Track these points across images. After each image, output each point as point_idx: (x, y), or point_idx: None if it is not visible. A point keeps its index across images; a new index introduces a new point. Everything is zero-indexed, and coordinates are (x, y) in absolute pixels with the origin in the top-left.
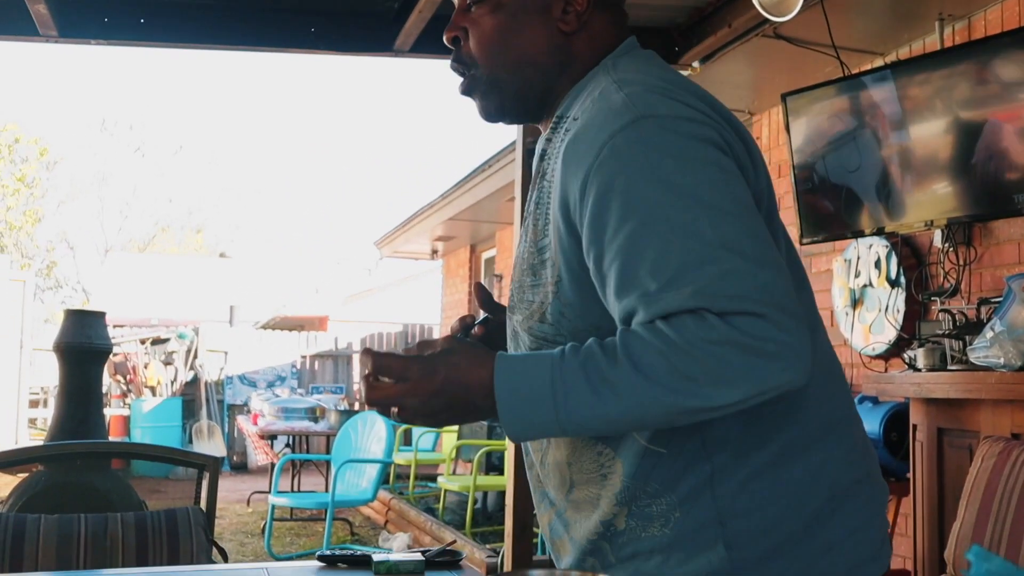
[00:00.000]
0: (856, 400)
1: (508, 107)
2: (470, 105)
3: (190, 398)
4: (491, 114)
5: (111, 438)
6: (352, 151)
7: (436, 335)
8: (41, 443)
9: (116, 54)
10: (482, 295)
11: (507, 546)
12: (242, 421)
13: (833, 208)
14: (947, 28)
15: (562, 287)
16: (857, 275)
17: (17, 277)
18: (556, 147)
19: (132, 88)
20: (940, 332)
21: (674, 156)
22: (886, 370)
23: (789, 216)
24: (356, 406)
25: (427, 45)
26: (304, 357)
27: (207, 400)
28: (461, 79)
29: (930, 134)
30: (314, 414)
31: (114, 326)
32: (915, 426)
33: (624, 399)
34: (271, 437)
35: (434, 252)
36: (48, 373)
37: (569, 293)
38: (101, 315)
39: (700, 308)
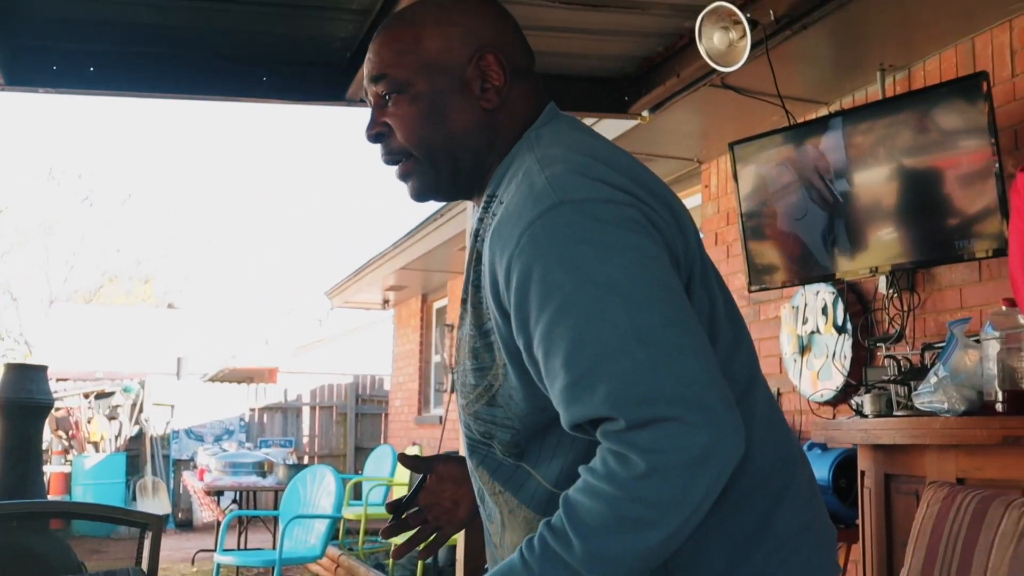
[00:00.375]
0: (805, 447)
1: (441, 187)
2: None
3: (135, 453)
4: (422, 195)
5: (51, 496)
6: (303, 200)
7: (387, 386)
8: None
9: (65, 102)
10: (408, 464)
11: None
12: (188, 477)
13: (780, 255)
14: (888, 78)
15: (508, 370)
16: (805, 322)
17: None
18: (487, 229)
19: (81, 136)
20: (886, 378)
21: (591, 243)
22: (834, 416)
23: (737, 263)
24: (306, 459)
25: None
26: (253, 410)
27: (152, 455)
28: (396, 165)
29: (874, 181)
30: (262, 468)
31: (57, 379)
32: (863, 472)
33: (604, 570)
34: (218, 493)
35: (385, 302)
36: None
37: (513, 377)
38: (43, 369)
39: (614, 418)
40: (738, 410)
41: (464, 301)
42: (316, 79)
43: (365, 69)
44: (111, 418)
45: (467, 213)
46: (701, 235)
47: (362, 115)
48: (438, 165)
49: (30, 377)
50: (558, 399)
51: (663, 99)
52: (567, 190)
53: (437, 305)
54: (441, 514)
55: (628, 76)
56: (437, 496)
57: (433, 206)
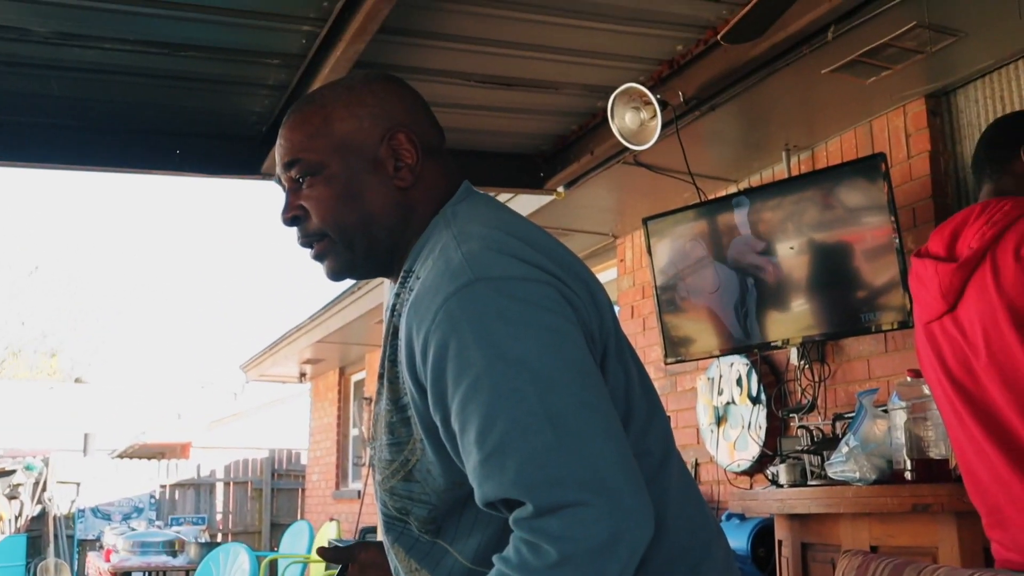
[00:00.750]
0: (723, 517)
1: (358, 265)
2: None
3: (36, 534)
4: (339, 274)
5: None
6: (219, 272)
7: (304, 461)
8: None
9: None
10: (328, 556)
11: None
12: (93, 558)
13: (695, 328)
14: (793, 157)
15: (424, 445)
16: (720, 392)
17: None
18: (403, 304)
19: None
20: (799, 448)
21: (506, 321)
22: (751, 486)
23: (653, 336)
24: (219, 537)
25: None
26: (164, 487)
27: (56, 536)
28: (310, 248)
29: (784, 256)
30: (173, 547)
31: None
32: (780, 542)
33: None
34: (125, 574)
35: (302, 375)
36: None
37: (430, 452)
38: None
39: (523, 502)
40: (647, 491)
41: (381, 376)
42: (230, 153)
43: (277, 155)
44: (11, 497)
45: (384, 287)
46: (617, 308)
47: (278, 189)
48: (354, 245)
49: None
50: (472, 476)
51: (578, 175)
52: (483, 267)
53: (355, 378)
54: None
55: (543, 153)
56: None
57: (350, 281)
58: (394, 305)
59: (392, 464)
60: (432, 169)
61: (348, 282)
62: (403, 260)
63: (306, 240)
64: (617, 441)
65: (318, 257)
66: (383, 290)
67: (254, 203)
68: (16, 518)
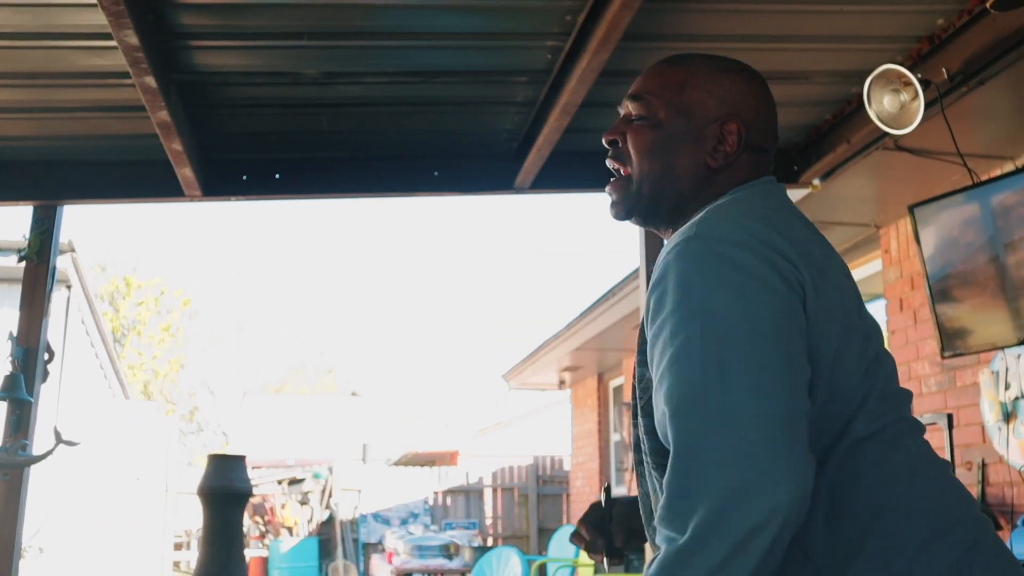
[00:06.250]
0: (1020, 522)
1: (640, 210)
2: (592, 236)
3: (326, 537)
4: (620, 213)
5: None
6: (477, 286)
7: (567, 467)
8: None
9: (253, 208)
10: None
11: None
12: (377, 560)
13: (973, 318)
14: None
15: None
16: (1008, 387)
17: (163, 423)
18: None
19: (266, 238)
20: None
21: (704, 276)
22: None
23: (926, 329)
24: (489, 541)
25: (545, 181)
26: (436, 493)
27: (342, 539)
28: (611, 180)
29: None
30: (448, 551)
31: (252, 467)
32: None
33: None
34: (407, 575)
35: (561, 383)
36: (190, 516)
37: None
38: (241, 459)
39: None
40: (802, 456)
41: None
42: (485, 170)
43: (630, 88)
44: (303, 503)
45: (640, 290)
46: (884, 302)
47: (531, 201)
48: (643, 189)
49: (230, 466)
50: (660, 429)
51: (834, 166)
52: (705, 228)
53: (613, 383)
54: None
55: (796, 145)
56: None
57: (605, 287)
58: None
59: (638, 404)
60: (746, 163)
61: (602, 289)
62: (681, 223)
63: (612, 162)
64: (777, 404)
65: (610, 193)
66: (638, 295)
67: (509, 218)
68: (308, 522)
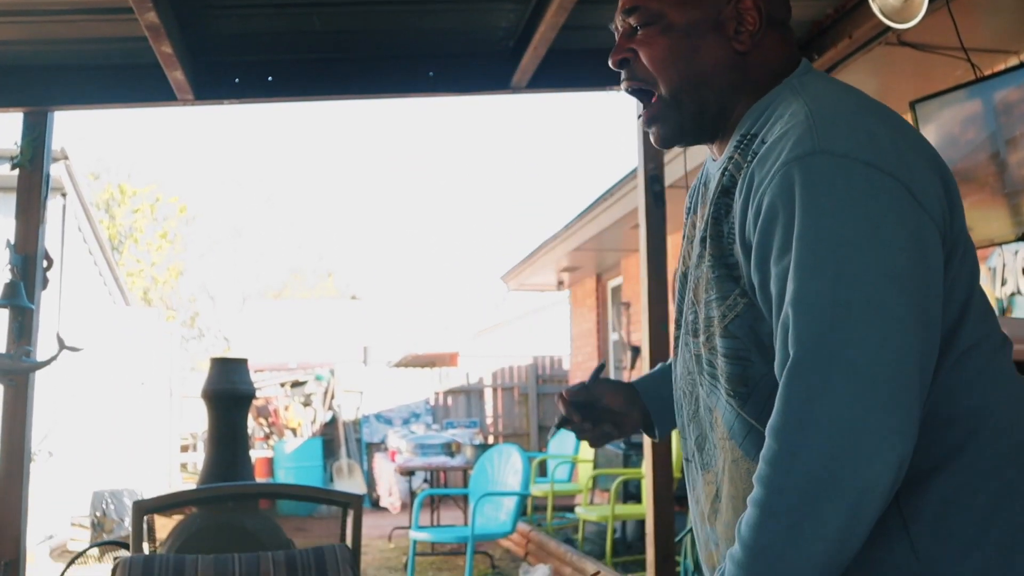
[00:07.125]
0: None
1: (687, 129)
2: (588, 136)
3: (329, 438)
4: (668, 139)
5: (257, 479)
6: (473, 188)
7: (566, 366)
8: (194, 487)
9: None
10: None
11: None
12: (380, 459)
13: (971, 216)
14: None
15: (746, 301)
16: (1004, 283)
17: (164, 329)
18: (742, 166)
19: (261, 143)
20: None
21: (836, 202)
22: None
23: None
24: (490, 439)
25: (542, 80)
26: (437, 393)
27: (346, 439)
28: (643, 111)
29: None
30: (450, 449)
31: (255, 371)
32: None
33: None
34: (410, 472)
35: (560, 283)
36: (195, 419)
37: (757, 306)
38: (244, 362)
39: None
40: (913, 407)
41: (703, 240)
42: (480, 70)
43: (620, 3)
44: (306, 405)
45: (638, 190)
46: None
47: (527, 100)
48: (682, 104)
49: (233, 369)
50: (778, 349)
51: (836, 61)
52: (829, 140)
53: (611, 284)
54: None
55: (797, 41)
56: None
57: (603, 186)
58: (725, 168)
59: (713, 321)
60: (772, 39)
61: (600, 190)
62: (733, 126)
63: (631, 84)
64: (902, 361)
65: (648, 122)
66: (635, 196)
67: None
68: (311, 423)
